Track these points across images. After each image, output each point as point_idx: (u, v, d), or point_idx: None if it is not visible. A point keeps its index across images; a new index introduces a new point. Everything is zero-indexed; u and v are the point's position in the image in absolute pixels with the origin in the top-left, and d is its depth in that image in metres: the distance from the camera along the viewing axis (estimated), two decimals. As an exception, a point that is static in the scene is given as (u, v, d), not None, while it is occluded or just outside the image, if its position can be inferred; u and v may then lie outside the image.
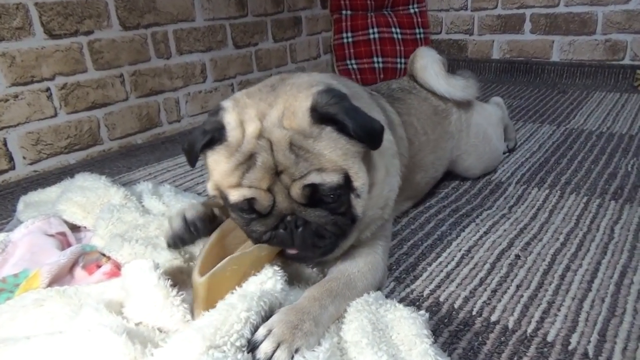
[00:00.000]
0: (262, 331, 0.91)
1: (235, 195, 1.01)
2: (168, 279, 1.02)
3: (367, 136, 1.02)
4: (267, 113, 1.03)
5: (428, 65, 1.69)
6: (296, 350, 0.88)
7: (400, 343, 0.90)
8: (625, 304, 1.13)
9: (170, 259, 1.21)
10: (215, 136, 1.04)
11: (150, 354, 0.85)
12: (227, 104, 1.09)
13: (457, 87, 1.69)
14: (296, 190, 0.99)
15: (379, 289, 1.17)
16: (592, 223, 1.49)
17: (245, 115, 1.04)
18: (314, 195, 1.00)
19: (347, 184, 1.03)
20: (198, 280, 1.00)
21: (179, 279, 1.14)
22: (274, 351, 0.87)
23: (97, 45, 2.31)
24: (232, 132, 1.03)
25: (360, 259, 1.15)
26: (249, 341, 0.89)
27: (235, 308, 0.91)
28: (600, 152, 2.06)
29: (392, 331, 0.93)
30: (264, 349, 0.87)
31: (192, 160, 1.10)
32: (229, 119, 1.04)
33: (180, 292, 1.01)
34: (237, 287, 1.02)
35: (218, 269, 1.01)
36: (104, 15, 2.31)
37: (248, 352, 0.88)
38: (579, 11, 3.25)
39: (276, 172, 0.99)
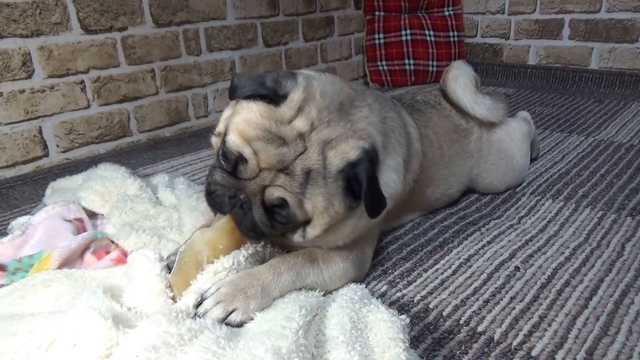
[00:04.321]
0: (212, 289, 1.02)
1: (235, 143, 1.03)
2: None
3: (370, 210, 1.07)
4: (321, 128, 1.05)
5: (460, 77, 1.69)
6: (233, 311, 0.99)
7: (376, 345, 0.92)
8: (620, 323, 1.10)
9: (172, 251, 1.26)
10: (270, 95, 1.04)
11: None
12: (301, 81, 1.08)
13: (482, 104, 1.67)
14: (271, 191, 1.02)
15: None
16: (603, 239, 1.45)
17: (307, 108, 1.05)
18: (276, 206, 1.05)
19: (304, 222, 1.09)
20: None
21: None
22: (212, 308, 0.99)
23: (130, 41, 2.41)
24: (285, 109, 1.04)
25: (323, 265, 1.17)
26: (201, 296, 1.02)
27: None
28: (626, 165, 1.99)
29: (370, 332, 0.95)
30: (206, 305, 0.99)
31: (234, 96, 1.11)
32: (295, 96, 1.05)
33: None
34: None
35: (174, 271, 1.08)
36: (137, 12, 2.41)
37: (196, 307, 1.00)
38: (622, 17, 3.12)
39: (280, 169, 1.02)
